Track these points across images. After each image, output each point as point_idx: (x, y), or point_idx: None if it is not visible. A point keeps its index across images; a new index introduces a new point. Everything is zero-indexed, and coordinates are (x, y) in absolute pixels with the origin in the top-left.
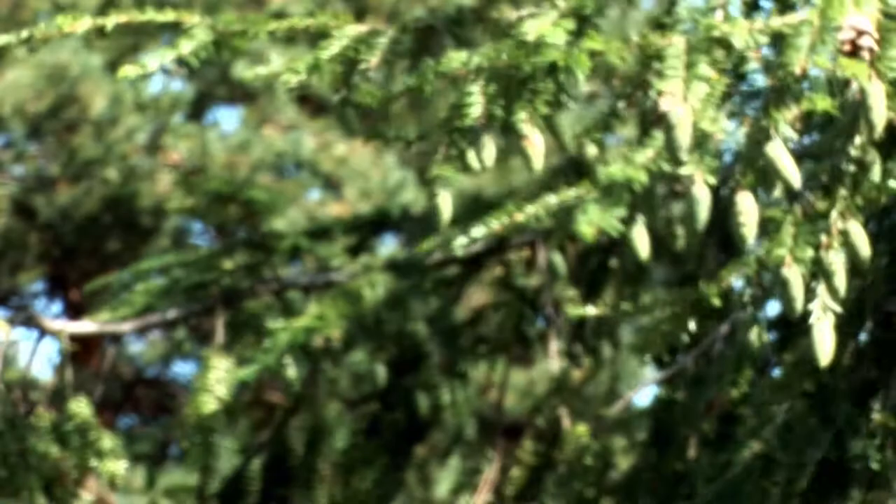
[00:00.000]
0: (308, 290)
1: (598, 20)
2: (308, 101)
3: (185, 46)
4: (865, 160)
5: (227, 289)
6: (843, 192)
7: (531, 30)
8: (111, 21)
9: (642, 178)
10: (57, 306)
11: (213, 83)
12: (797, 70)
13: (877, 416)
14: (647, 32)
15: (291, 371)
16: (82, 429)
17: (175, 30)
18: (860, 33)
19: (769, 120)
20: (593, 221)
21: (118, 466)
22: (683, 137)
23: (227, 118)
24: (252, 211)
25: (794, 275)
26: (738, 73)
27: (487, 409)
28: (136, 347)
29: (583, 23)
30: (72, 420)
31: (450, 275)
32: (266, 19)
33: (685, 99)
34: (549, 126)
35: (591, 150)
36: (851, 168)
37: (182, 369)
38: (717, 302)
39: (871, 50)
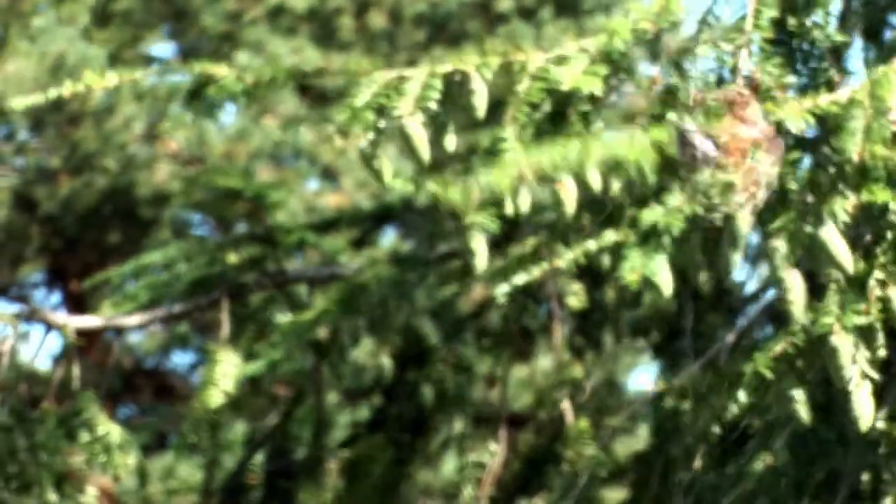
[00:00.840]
0: (313, 283)
1: (628, 64)
2: (308, 91)
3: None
4: None
5: (231, 282)
6: (882, 256)
7: (565, 78)
8: (142, 75)
9: (679, 223)
10: (56, 297)
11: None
12: (855, 157)
13: (881, 425)
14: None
15: (297, 365)
16: (90, 423)
17: (176, 23)
18: None
19: (825, 206)
20: (636, 268)
21: (127, 460)
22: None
23: (227, 108)
24: (257, 205)
25: (842, 343)
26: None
27: (492, 400)
28: (135, 338)
29: (614, 68)
30: (80, 415)
31: (454, 268)
32: (294, 68)
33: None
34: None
35: (616, 188)
36: (890, 233)
37: (181, 359)
38: (768, 373)
39: None
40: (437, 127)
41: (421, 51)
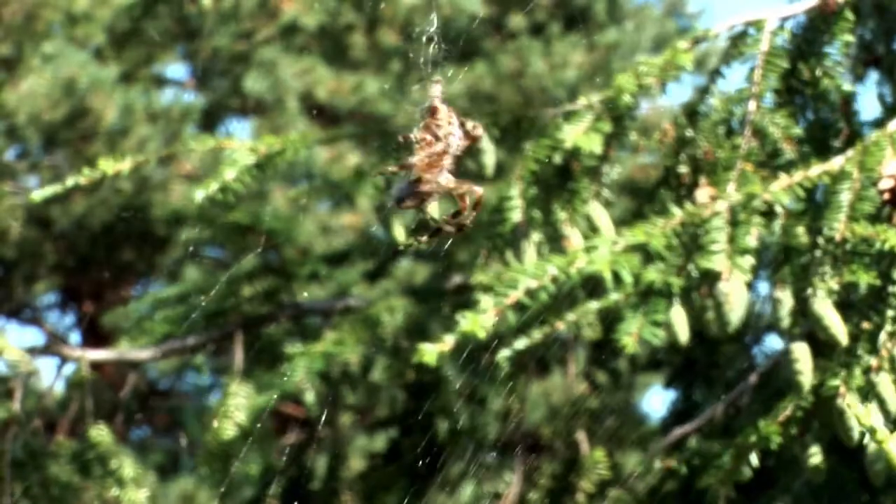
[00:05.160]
0: (327, 315)
1: (631, 120)
2: (321, 111)
3: (229, 173)
4: None
5: (246, 315)
6: (890, 312)
7: (568, 136)
8: (152, 156)
9: (679, 282)
10: (70, 319)
11: (224, 94)
12: (837, 237)
13: None
14: (692, 209)
15: (310, 396)
16: (103, 457)
17: (189, 43)
18: None
19: (812, 286)
20: (632, 332)
21: (140, 495)
22: (733, 314)
23: (239, 129)
24: (269, 237)
25: (850, 404)
26: (774, 166)
27: (507, 429)
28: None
29: (618, 123)
30: (93, 448)
31: (468, 299)
32: (303, 137)
33: (731, 273)
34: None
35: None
36: None
37: (196, 381)
38: (777, 441)
39: None
40: None
41: (433, 68)
